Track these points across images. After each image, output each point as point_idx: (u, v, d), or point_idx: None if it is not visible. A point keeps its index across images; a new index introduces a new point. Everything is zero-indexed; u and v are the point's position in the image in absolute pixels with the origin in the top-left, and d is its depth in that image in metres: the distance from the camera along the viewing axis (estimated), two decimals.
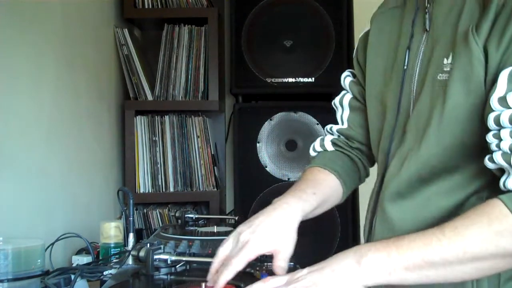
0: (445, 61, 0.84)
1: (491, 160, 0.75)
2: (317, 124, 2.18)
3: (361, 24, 2.21)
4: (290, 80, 2.17)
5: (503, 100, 0.73)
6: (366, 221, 1.05)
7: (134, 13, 2.21)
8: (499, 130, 0.74)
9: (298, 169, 2.16)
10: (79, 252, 1.41)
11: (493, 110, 0.74)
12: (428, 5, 0.90)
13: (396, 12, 1.00)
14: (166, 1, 2.20)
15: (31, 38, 1.39)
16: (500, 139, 0.73)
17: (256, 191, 2.14)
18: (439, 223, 0.76)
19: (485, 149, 0.79)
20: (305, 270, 0.78)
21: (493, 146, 0.75)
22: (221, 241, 1.24)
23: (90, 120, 1.81)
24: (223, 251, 0.87)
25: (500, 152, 0.73)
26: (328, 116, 2.20)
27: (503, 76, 0.74)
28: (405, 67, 0.93)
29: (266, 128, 2.19)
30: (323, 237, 2.11)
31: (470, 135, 0.82)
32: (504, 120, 0.72)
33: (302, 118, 2.19)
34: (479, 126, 0.80)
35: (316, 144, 1.16)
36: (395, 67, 0.97)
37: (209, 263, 1.00)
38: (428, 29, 0.90)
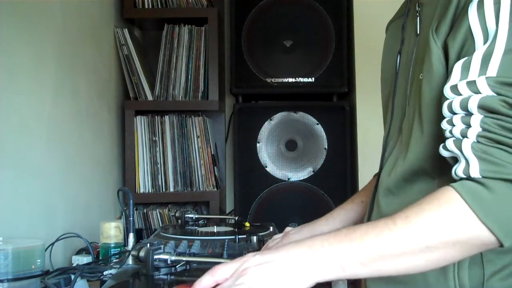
0: (425, 60, 0.86)
1: (445, 148, 0.75)
2: (317, 124, 2.19)
3: (361, 24, 2.22)
4: (290, 80, 2.18)
5: (454, 88, 0.73)
6: (366, 214, 1.07)
7: (134, 13, 2.21)
8: (451, 117, 0.74)
9: (298, 169, 2.16)
10: (79, 252, 1.41)
11: (447, 99, 0.75)
12: (419, 9, 0.93)
13: (402, 20, 1.02)
14: (166, 1, 2.20)
15: (31, 38, 1.39)
16: (453, 125, 0.73)
17: (256, 191, 2.15)
18: None
19: None
20: (254, 259, 0.74)
21: (447, 133, 0.75)
22: (221, 241, 1.25)
23: (90, 120, 1.81)
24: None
25: (453, 138, 0.73)
26: (328, 116, 2.22)
27: (457, 67, 0.75)
28: (397, 72, 0.97)
29: (266, 128, 2.19)
30: None
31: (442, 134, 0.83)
32: (456, 106, 0.73)
33: (302, 118, 2.19)
34: None
35: None
36: (393, 72, 1.01)
37: (209, 263, 1.00)
38: (418, 33, 0.92)
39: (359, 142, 2.18)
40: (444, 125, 0.75)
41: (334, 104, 2.21)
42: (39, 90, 1.44)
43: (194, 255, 1.06)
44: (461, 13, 0.78)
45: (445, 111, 0.75)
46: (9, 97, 1.27)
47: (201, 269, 0.98)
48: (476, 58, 0.73)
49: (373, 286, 0.94)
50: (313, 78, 2.17)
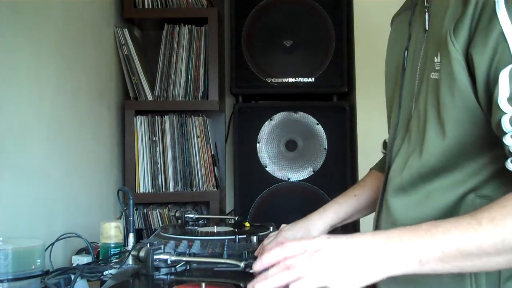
0: (435, 59, 0.85)
1: None
2: (317, 124, 2.18)
3: (361, 24, 2.22)
4: (290, 80, 2.18)
5: None
6: (374, 215, 1.06)
7: (134, 13, 2.21)
8: None
9: (298, 169, 2.16)
10: (79, 252, 1.41)
11: (505, 113, 0.73)
12: (427, 5, 0.91)
13: (408, 14, 1.00)
14: (166, 1, 2.20)
15: (31, 38, 1.39)
16: None
17: (256, 191, 2.14)
18: (440, 218, 0.76)
19: (484, 147, 0.80)
20: (329, 241, 0.73)
21: None
22: (221, 241, 1.25)
23: (90, 120, 1.81)
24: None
25: None
26: (328, 116, 2.22)
27: (504, 77, 0.72)
28: (405, 68, 0.96)
29: (266, 128, 2.19)
30: None
31: (465, 135, 0.82)
32: None
33: (302, 118, 2.19)
34: (474, 126, 0.81)
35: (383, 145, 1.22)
36: (399, 68, 1.00)
37: (209, 263, 1.00)
38: (427, 28, 0.91)
39: (359, 142, 2.18)
40: (509, 140, 0.73)
41: (334, 104, 2.21)
42: (39, 90, 1.44)
43: (194, 255, 1.06)
44: (483, 14, 0.75)
45: (506, 125, 0.73)
46: (9, 97, 1.27)
47: (201, 269, 0.98)
48: None
49: (384, 286, 0.92)
50: (313, 78, 2.17)
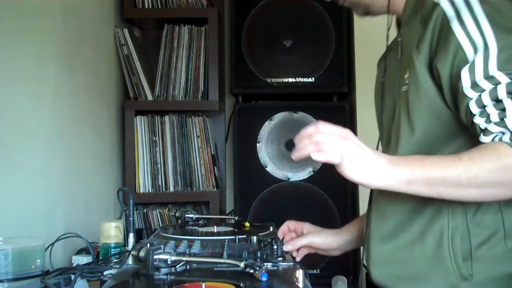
0: (405, 76, 1.05)
1: (487, 134, 0.89)
2: None
3: (361, 24, 2.22)
4: (290, 80, 2.18)
5: (476, 86, 0.90)
6: (366, 211, 1.21)
7: (134, 13, 2.21)
8: (483, 110, 0.89)
9: (298, 169, 2.16)
10: (79, 252, 1.41)
11: (470, 98, 0.91)
12: (400, 39, 1.12)
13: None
14: (166, 1, 2.20)
15: (31, 38, 1.39)
16: (488, 115, 0.89)
17: (256, 191, 2.14)
18: (420, 205, 1.02)
19: (447, 140, 1.00)
20: (352, 136, 0.92)
21: (483, 124, 0.90)
22: (221, 241, 1.25)
23: (90, 120, 1.81)
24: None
25: (492, 123, 0.88)
26: (328, 116, 2.21)
27: (465, 73, 0.91)
28: (382, 94, 1.18)
29: (266, 128, 2.19)
30: None
31: (431, 130, 1.02)
32: (485, 100, 0.89)
33: (302, 118, 2.19)
34: (438, 121, 1.00)
35: None
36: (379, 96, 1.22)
37: (209, 263, 1.00)
38: (400, 59, 1.11)
39: None
40: (478, 119, 0.91)
41: (334, 104, 2.21)
42: (39, 90, 1.44)
43: (194, 255, 1.06)
44: (442, 32, 0.96)
45: (473, 108, 0.91)
46: (9, 97, 1.27)
47: (201, 269, 0.98)
48: (478, 61, 0.91)
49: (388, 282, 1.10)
50: (313, 78, 2.17)
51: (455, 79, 0.94)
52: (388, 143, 1.14)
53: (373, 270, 1.11)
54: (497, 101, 0.89)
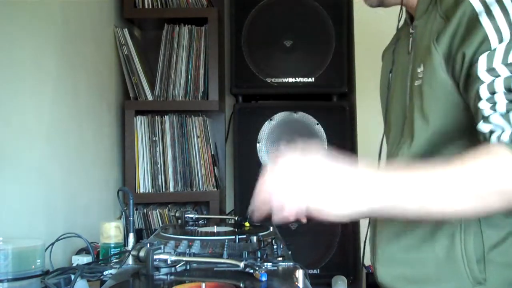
0: (418, 70, 1.01)
1: (487, 121, 0.84)
2: (317, 124, 2.18)
3: (361, 24, 2.22)
4: (290, 80, 2.18)
5: (492, 70, 0.85)
6: None
7: (134, 13, 2.21)
8: (492, 96, 0.84)
9: None
10: (79, 252, 1.41)
11: (483, 82, 0.86)
12: (413, 31, 1.08)
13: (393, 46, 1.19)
14: (166, 1, 2.20)
15: (31, 38, 1.39)
16: (495, 103, 0.84)
17: None
18: None
19: (462, 133, 0.96)
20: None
21: (487, 110, 0.85)
22: (221, 241, 1.25)
23: (90, 120, 1.81)
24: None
25: (496, 113, 0.83)
26: (328, 116, 2.22)
27: (483, 58, 0.87)
28: (389, 88, 1.14)
29: (266, 128, 2.19)
30: (324, 235, 2.10)
31: (446, 122, 0.98)
32: (498, 86, 0.84)
33: (302, 118, 2.19)
34: (452, 113, 0.96)
35: None
36: (386, 89, 1.19)
37: (209, 263, 1.00)
38: (410, 51, 1.08)
39: (359, 142, 2.18)
40: (483, 104, 0.85)
41: (334, 104, 2.21)
42: (39, 90, 1.44)
43: (194, 255, 1.06)
44: (468, 26, 0.92)
45: (482, 92, 0.86)
46: (9, 97, 1.27)
47: (201, 269, 0.98)
48: (500, 49, 0.86)
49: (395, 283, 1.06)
50: (313, 78, 2.17)
51: (474, 63, 0.90)
52: (399, 139, 1.09)
53: (379, 270, 1.08)
54: (509, 91, 0.85)
